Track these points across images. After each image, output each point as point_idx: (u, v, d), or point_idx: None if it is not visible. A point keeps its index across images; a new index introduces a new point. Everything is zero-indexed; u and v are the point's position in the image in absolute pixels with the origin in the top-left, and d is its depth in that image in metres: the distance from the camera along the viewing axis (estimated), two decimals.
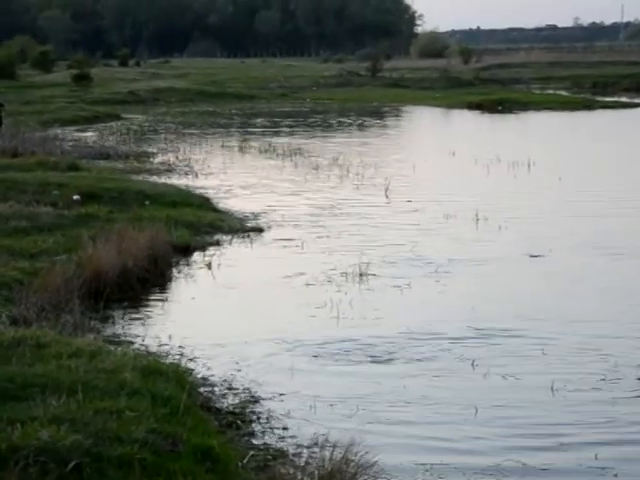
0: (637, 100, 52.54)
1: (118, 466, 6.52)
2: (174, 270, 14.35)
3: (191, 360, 10.16)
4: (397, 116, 48.98)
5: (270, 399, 9.10)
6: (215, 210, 19.14)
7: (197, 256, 15.23)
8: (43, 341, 8.95)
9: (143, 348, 10.46)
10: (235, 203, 20.27)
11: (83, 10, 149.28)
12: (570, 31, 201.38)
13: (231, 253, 15.51)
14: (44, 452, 6.39)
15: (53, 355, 8.50)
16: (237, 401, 9.05)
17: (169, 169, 26.07)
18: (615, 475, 7.56)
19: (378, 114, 48.61)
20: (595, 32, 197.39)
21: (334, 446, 7.18)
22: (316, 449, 7.73)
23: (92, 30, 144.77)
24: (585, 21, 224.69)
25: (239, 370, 9.89)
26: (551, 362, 10.07)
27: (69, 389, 7.53)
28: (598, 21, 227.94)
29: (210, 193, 21.34)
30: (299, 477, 6.86)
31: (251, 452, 7.70)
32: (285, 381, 9.57)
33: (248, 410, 8.82)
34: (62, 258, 13.21)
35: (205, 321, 11.79)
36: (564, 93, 59.44)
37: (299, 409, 8.81)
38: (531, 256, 15.11)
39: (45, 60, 75.83)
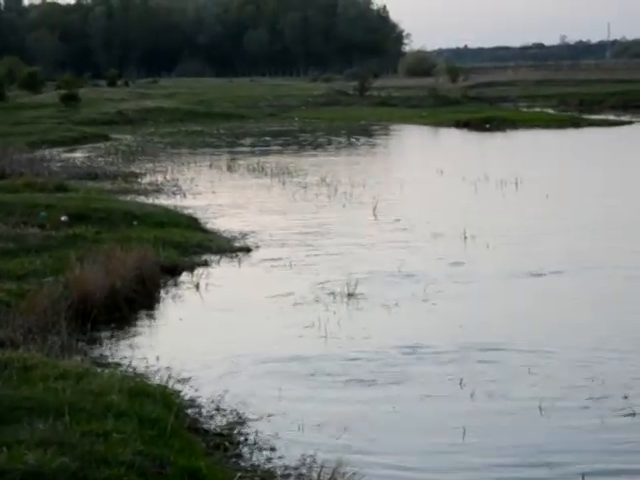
0: (624, 118, 52.73)
1: None
2: (162, 291, 14.33)
3: (179, 381, 10.14)
4: (385, 135, 49.08)
5: (258, 420, 9.09)
6: (203, 230, 19.15)
7: (185, 276, 15.22)
8: (30, 363, 8.92)
9: (130, 370, 10.44)
10: (223, 223, 20.27)
11: (71, 31, 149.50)
12: (557, 49, 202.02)
13: (219, 273, 15.50)
14: (31, 476, 6.36)
15: (40, 377, 8.47)
16: (225, 422, 9.03)
17: (157, 189, 26.06)
18: None
19: (366, 133, 48.70)
20: (582, 50, 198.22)
21: (322, 467, 7.18)
22: (304, 470, 7.73)
23: (80, 51, 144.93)
24: (572, 39, 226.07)
25: (227, 391, 9.86)
26: (539, 381, 10.07)
27: (56, 411, 7.50)
28: (585, 39, 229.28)
29: (198, 213, 21.34)
30: None
31: (239, 474, 7.68)
32: (273, 402, 9.56)
33: (236, 431, 8.81)
34: (49, 280, 13.18)
35: (193, 342, 11.77)
36: (551, 111, 59.64)
37: (287, 430, 8.80)
38: (520, 274, 15.13)
39: (33, 81, 75.77)
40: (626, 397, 9.50)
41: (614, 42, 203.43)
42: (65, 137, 43.74)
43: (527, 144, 41.33)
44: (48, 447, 6.75)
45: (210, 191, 25.93)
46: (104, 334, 12.01)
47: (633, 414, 9.08)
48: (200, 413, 9.26)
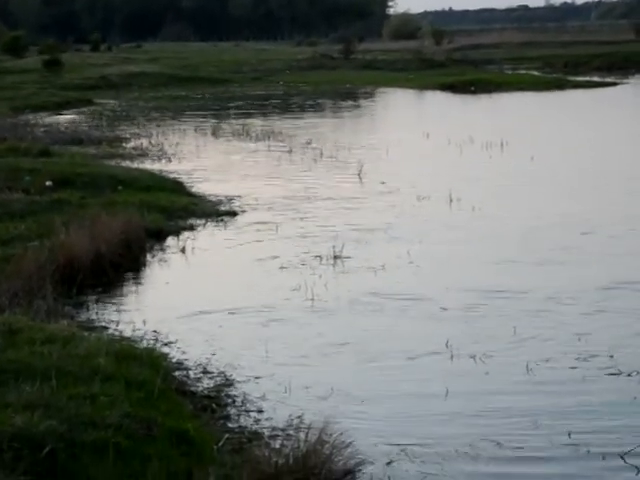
0: (608, 79, 52.66)
1: (93, 451, 6.52)
2: (148, 255, 14.32)
3: (166, 344, 10.16)
4: (370, 98, 48.94)
5: (245, 382, 9.12)
6: (189, 194, 19.11)
7: (171, 240, 15.20)
8: (16, 327, 8.92)
9: (117, 333, 10.45)
10: (208, 187, 20.23)
11: None
12: (542, 11, 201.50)
13: (205, 237, 15.49)
14: (18, 438, 6.38)
15: (26, 341, 8.48)
16: (212, 384, 9.06)
17: (142, 154, 25.97)
18: (588, 451, 7.62)
19: (351, 96, 48.56)
20: (566, 12, 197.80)
21: (309, 428, 7.20)
22: (291, 431, 7.77)
23: (63, 15, 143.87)
24: (557, 1, 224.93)
25: (214, 354, 9.89)
26: (524, 341, 10.12)
27: (42, 375, 7.51)
28: (569, 1, 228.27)
29: (183, 177, 21.30)
30: (274, 459, 6.87)
31: (226, 435, 7.71)
32: (260, 364, 9.59)
33: (223, 393, 8.83)
34: (35, 244, 13.14)
35: (179, 305, 11.77)
36: (536, 73, 59.49)
37: (274, 392, 8.83)
38: (505, 236, 15.17)
39: (16, 45, 75.22)
40: (611, 356, 9.56)
41: (599, 3, 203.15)
42: (49, 102, 43.47)
43: (512, 106, 41.29)
44: (35, 410, 6.76)
45: (195, 155, 25.86)
46: (90, 298, 12.01)
47: (619, 373, 9.14)
48: (187, 376, 9.28)
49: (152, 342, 10.14)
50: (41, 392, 7.16)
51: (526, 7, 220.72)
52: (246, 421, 8.21)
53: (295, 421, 7.95)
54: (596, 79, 53.22)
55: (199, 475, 6.70)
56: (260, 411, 8.43)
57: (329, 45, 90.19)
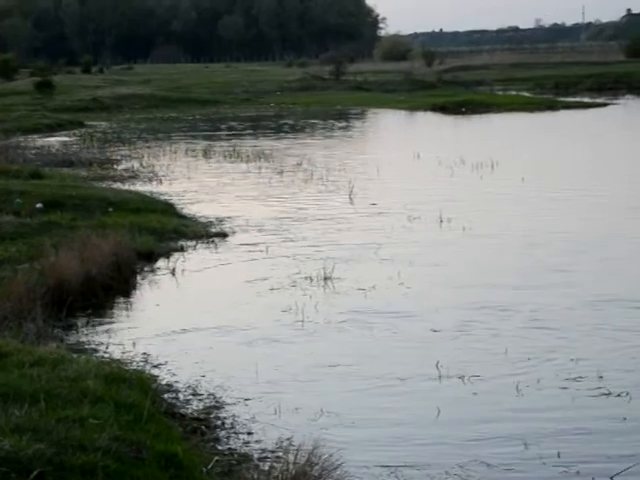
0: (599, 100, 52.90)
1: (81, 474, 6.48)
2: (138, 277, 14.31)
3: (155, 367, 10.14)
4: (361, 119, 49.06)
5: (235, 404, 9.10)
6: (179, 216, 19.11)
7: (161, 262, 15.19)
8: (5, 350, 8.89)
9: (107, 355, 10.43)
10: (199, 208, 20.24)
11: (45, 17, 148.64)
12: (532, 32, 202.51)
13: (195, 259, 15.48)
14: (6, 462, 6.34)
15: (15, 364, 8.44)
16: (202, 407, 9.04)
17: (133, 176, 25.98)
18: (577, 472, 7.61)
19: (342, 117, 48.68)
20: (557, 33, 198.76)
21: (298, 449, 7.19)
22: (280, 453, 7.75)
23: (54, 37, 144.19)
24: (547, 22, 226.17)
25: (203, 376, 9.87)
26: (514, 362, 10.12)
27: (31, 398, 7.48)
28: (559, 22, 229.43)
29: (174, 199, 21.31)
30: None
31: (216, 457, 7.69)
32: (250, 386, 9.57)
33: (213, 416, 8.81)
34: (25, 267, 13.13)
35: (169, 327, 11.75)
36: (526, 94, 59.74)
37: (264, 413, 8.82)
38: (496, 258, 15.20)
39: (7, 68, 75.30)
40: (601, 377, 9.57)
41: (589, 25, 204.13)
42: (40, 124, 43.49)
43: (503, 127, 41.42)
44: (24, 433, 6.73)
45: (186, 177, 25.88)
46: (80, 321, 11.99)
47: (608, 394, 9.14)
48: (177, 398, 9.26)
49: (142, 364, 10.13)
50: (30, 415, 7.13)
51: (516, 28, 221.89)
52: (235, 443, 8.19)
53: (284, 443, 7.94)
54: (587, 100, 53.47)
55: None
56: (249, 433, 8.41)
57: (320, 66, 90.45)
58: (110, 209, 18.16)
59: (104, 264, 13.31)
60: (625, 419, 8.59)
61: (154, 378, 9.53)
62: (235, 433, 8.42)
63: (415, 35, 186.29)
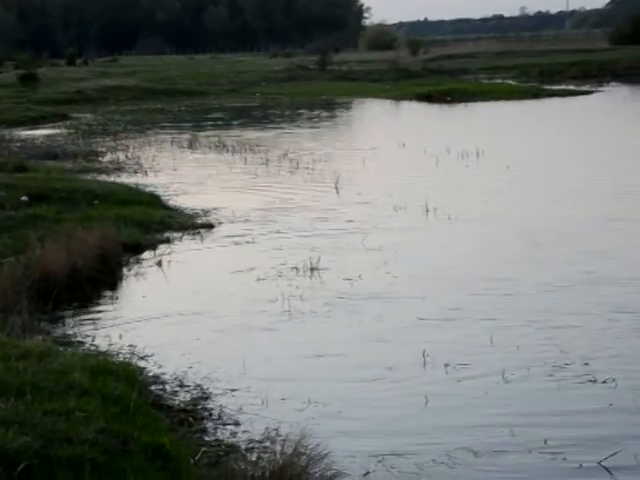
0: (584, 87, 52.94)
1: (68, 467, 6.48)
2: (124, 269, 14.29)
3: (142, 358, 10.13)
4: (347, 109, 49.02)
5: (222, 395, 9.10)
6: (165, 207, 19.09)
7: (147, 254, 15.17)
8: None
9: (93, 348, 10.42)
10: (185, 200, 20.21)
11: (29, 9, 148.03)
12: (517, 20, 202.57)
13: (181, 250, 15.47)
14: None
15: (1, 357, 8.42)
16: (189, 398, 9.04)
17: (118, 168, 25.92)
18: (564, 459, 7.64)
19: (328, 107, 48.64)
20: (541, 21, 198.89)
21: (285, 440, 7.20)
22: (268, 443, 7.76)
23: (39, 29, 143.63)
24: (531, 10, 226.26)
25: (190, 367, 9.87)
26: (500, 350, 10.15)
27: (17, 391, 7.48)
28: (544, 10, 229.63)
29: (160, 190, 21.28)
30: (251, 472, 6.86)
31: (203, 449, 7.70)
32: (237, 377, 9.57)
33: (200, 407, 8.82)
34: (10, 260, 13.10)
35: (156, 319, 11.74)
36: (512, 82, 59.75)
37: (251, 404, 8.82)
38: (481, 245, 15.22)
39: None
40: (587, 364, 9.60)
41: (573, 12, 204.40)
42: (24, 117, 43.36)
43: (488, 116, 41.43)
44: (10, 426, 6.73)
45: (172, 168, 25.84)
46: (66, 313, 11.97)
47: (594, 380, 9.18)
48: (164, 389, 9.26)
49: (128, 356, 10.12)
50: (16, 408, 7.12)
51: (501, 17, 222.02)
52: (223, 434, 8.20)
53: (272, 433, 7.95)
54: (571, 87, 53.50)
55: None
56: (237, 424, 8.41)
57: (305, 56, 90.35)
58: (96, 201, 18.12)
59: (90, 256, 13.29)
60: (611, 405, 8.63)
61: (141, 370, 9.53)
62: (222, 424, 8.42)
63: (400, 24, 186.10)
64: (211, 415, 8.63)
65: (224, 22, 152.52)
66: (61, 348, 9.56)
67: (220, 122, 41.61)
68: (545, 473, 7.46)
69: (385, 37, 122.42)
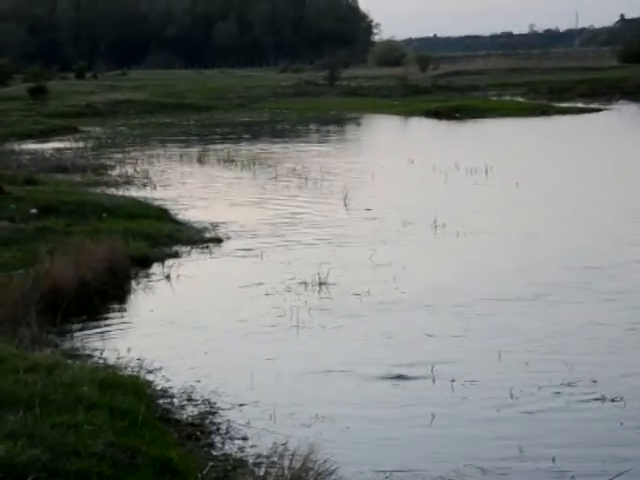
0: (592, 105, 52.95)
1: None
2: (133, 282, 14.30)
3: (150, 372, 10.13)
4: (355, 124, 49.10)
5: (230, 409, 9.10)
6: (174, 221, 19.11)
7: (156, 268, 15.19)
8: (0, 356, 8.88)
9: (101, 361, 10.42)
10: (194, 214, 20.23)
11: (39, 23, 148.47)
12: (526, 38, 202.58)
13: (190, 264, 15.48)
14: (1, 468, 6.34)
15: (10, 370, 8.44)
16: (196, 412, 9.04)
17: (127, 181, 25.97)
18: (572, 477, 7.62)
19: (336, 123, 48.71)
20: (550, 38, 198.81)
21: (293, 454, 7.19)
22: (275, 458, 7.74)
23: (48, 43, 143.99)
24: (540, 28, 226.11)
25: (198, 381, 9.87)
26: (509, 366, 10.14)
27: (26, 404, 7.48)
28: (553, 27, 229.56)
29: (169, 204, 21.30)
30: None
31: (210, 463, 7.69)
32: (245, 391, 9.57)
33: (208, 421, 8.81)
34: (19, 272, 13.11)
35: (164, 333, 11.75)
36: (521, 99, 59.82)
37: (259, 419, 8.82)
38: (489, 262, 15.21)
39: (1, 74, 75.25)
40: (595, 381, 9.58)
41: (582, 30, 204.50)
42: (34, 130, 43.45)
43: (497, 132, 41.45)
44: (18, 439, 6.74)
45: (180, 182, 25.88)
46: (75, 326, 11.98)
47: (603, 399, 9.16)
48: (172, 403, 9.26)
49: (136, 370, 10.11)
50: (24, 421, 7.13)
51: (510, 34, 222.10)
52: (230, 448, 8.19)
53: (279, 448, 7.93)
54: (580, 105, 53.51)
55: None
56: (245, 438, 8.41)
57: (314, 72, 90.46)
58: (104, 215, 18.15)
59: (99, 270, 13.31)
60: (622, 424, 8.60)
61: (149, 383, 9.53)
62: (230, 438, 8.42)
63: (409, 40, 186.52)
64: (219, 429, 8.63)
65: (234, 37, 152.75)
66: (70, 361, 9.56)
67: (229, 137, 41.67)
68: None
69: (394, 53, 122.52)
